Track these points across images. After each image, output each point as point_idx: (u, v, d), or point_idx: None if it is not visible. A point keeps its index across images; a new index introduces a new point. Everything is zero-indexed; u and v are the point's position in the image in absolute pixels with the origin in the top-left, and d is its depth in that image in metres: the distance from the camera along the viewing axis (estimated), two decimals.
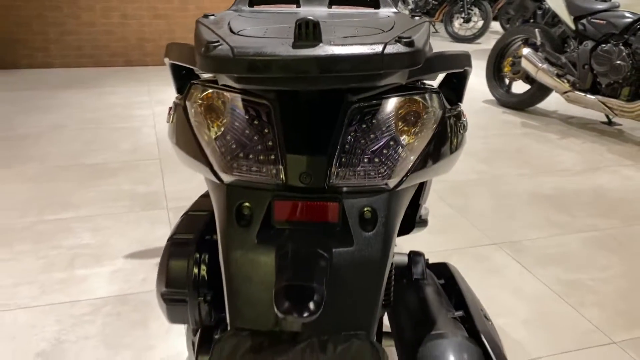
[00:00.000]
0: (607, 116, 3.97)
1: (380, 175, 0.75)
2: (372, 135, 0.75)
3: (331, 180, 0.73)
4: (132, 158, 3.07)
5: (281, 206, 0.73)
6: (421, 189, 1.42)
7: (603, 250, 2.26)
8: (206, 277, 0.94)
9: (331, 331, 0.71)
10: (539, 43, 3.94)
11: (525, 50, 3.98)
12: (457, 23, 7.72)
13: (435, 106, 0.84)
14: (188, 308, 0.93)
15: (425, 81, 0.95)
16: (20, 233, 2.23)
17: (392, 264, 0.97)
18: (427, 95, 0.83)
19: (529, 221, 2.49)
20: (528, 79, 4.13)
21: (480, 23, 7.62)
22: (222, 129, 0.77)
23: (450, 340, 0.90)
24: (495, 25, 8.82)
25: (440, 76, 1.01)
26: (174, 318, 0.96)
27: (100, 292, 1.87)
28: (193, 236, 0.97)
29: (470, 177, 2.96)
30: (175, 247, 0.96)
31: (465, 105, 4.38)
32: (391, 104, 0.78)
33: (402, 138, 0.78)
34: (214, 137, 0.77)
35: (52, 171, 2.85)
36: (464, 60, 0.88)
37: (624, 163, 3.24)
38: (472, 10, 7.65)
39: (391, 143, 0.76)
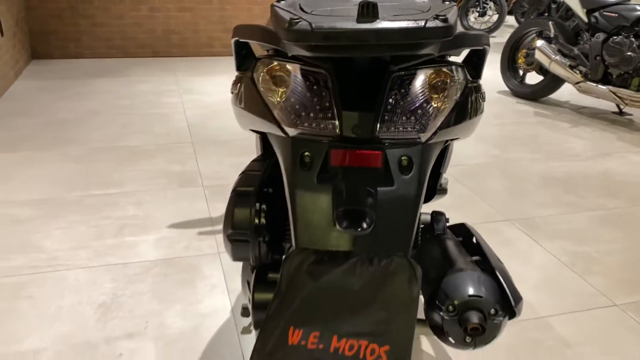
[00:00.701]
0: (618, 106, 4.10)
1: (415, 130, 0.93)
2: (409, 99, 0.94)
3: (376, 133, 0.92)
4: (166, 141, 3.27)
5: (336, 154, 0.92)
6: (442, 158, 1.61)
7: (609, 227, 2.42)
8: (265, 222, 1.13)
9: (376, 250, 0.90)
10: (552, 35, 4.09)
11: (539, 42, 4.12)
12: (472, 17, 7.85)
13: (459, 77, 1.02)
14: (250, 247, 1.13)
15: (451, 58, 1.13)
16: (71, 206, 2.44)
17: (419, 213, 1.15)
18: (453, 68, 1.01)
19: (540, 201, 2.66)
20: (541, 70, 4.28)
21: (495, 17, 7.74)
22: (287, 93, 0.96)
23: (469, 273, 1.09)
24: (510, 20, 8.92)
25: (463, 54, 1.20)
26: (237, 255, 1.15)
27: (149, 256, 2.08)
28: (253, 189, 1.16)
29: (484, 161, 3.13)
30: (239, 197, 1.15)
31: None
32: (424, 74, 0.97)
33: (432, 102, 0.96)
34: (280, 100, 0.96)
35: (92, 152, 3.06)
36: (484, 39, 1.07)
37: (633, 150, 3.39)
38: (487, 4, 7.77)
39: (424, 105, 0.95)
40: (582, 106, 4.35)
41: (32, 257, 2.04)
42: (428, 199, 1.65)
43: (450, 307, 1.04)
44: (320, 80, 0.94)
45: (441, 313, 1.05)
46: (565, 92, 4.56)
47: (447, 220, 1.44)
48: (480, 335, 1.05)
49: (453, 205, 2.56)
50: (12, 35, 4.45)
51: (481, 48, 1.08)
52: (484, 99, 1.19)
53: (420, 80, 0.96)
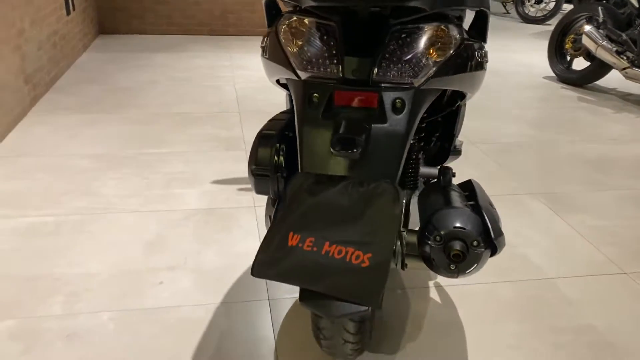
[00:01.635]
0: None
1: (408, 76, 1.09)
2: (405, 49, 1.10)
3: (374, 76, 1.08)
4: (215, 110, 3.52)
5: (339, 94, 1.09)
6: (454, 121, 1.75)
7: (632, 206, 2.48)
8: (283, 160, 1.31)
9: (367, 176, 1.07)
10: (601, 20, 4.07)
11: (587, 27, 4.11)
12: (528, 4, 7.74)
13: (454, 34, 1.17)
14: (270, 181, 1.31)
15: (455, 21, 1.28)
16: (127, 161, 2.71)
17: (418, 152, 1.31)
18: (449, 25, 1.16)
19: (567, 178, 2.73)
20: (589, 56, 4.26)
21: (552, 4, 7.60)
22: (301, 43, 1.14)
23: (457, 210, 1.24)
24: (568, 7, 8.71)
25: (469, 20, 1.34)
26: (258, 189, 1.35)
27: (192, 206, 2.31)
28: (275, 132, 1.35)
29: (519, 140, 3.21)
30: (263, 138, 1.34)
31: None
32: (420, 29, 1.12)
33: (426, 53, 1.12)
34: (296, 48, 1.14)
35: (149, 117, 3.34)
36: (484, 1, 1.21)
37: None
38: None
39: (419, 55, 1.10)
40: (628, 93, 4.31)
41: (91, 200, 2.32)
42: (443, 159, 1.80)
43: (437, 237, 1.20)
44: (329, 31, 1.11)
45: (429, 242, 1.21)
46: (613, 79, 4.52)
47: (453, 175, 1.59)
48: (461, 262, 1.20)
49: (479, 179, 2.67)
50: (82, 10, 4.81)
51: (479, 10, 1.22)
52: (485, 58, 1.33)
53: (416, 34, 1.12)
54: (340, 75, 1.09)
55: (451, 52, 1.16)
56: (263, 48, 1.32)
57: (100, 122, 3.22)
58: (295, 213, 1.05)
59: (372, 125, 1.07)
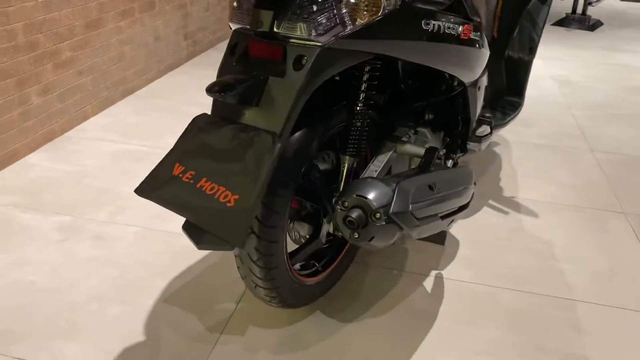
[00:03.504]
0: None
1: (315, 34, 1.10)
2: (315, 7, 1.11)
3: (280, 30, 1.12)
4: None
5: (252, 46, 1.15)
6: (464, 103, 1.65)
7: None
8: None
9: (256, 124, 1.12)
10: None
11: None
12: None
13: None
14: None
15: None
16: None
17: (365, 120, 1.31)
18: None
19: None
20: None
21: None
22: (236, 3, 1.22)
23: (372, 181, 1.22)
24: None
25: None
26: None
27: None
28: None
29: None
30: None
31: None
32: None
33: (344, 11, 1.11)
34: (234, 3, 1.23)
35: None
36: None
37: None
38: None
39: (330, 16, 1.11)
40: None
41: None
42: (461, 149, 1.71)
43: (343, 204, 1.20)
44: None
45: (337, 207, 1.22)
46: None
47: (439, 157, 1.52)
48: (359, 231, 1.19)
49: (573, 187, 2.39)
50: None
51: None
52: (469, 33, 1.27)
53: None
54: (256, 28, 1.15)
55: (379, 14, 1.13)
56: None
57: None
58: (185, 147, 1.16)
59: (270, 77, 1.11)
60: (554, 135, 2.94)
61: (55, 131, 2.59)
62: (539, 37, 2.23)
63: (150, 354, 1.42)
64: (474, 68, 1.57)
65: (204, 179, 1.11)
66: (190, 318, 1.55)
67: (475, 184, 1.54)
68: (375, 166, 1.47)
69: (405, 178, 1.27)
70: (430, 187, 1.29)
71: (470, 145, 1.72)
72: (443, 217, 1.33)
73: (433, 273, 1.79)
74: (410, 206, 1.20)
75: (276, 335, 1.50)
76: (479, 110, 1.75)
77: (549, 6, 2.25)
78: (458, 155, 1.77)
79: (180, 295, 1.64)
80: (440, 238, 1.92)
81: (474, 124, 1.71)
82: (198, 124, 1.18)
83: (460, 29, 1.35)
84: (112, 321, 1.53)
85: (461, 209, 1.46)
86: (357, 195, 1.19)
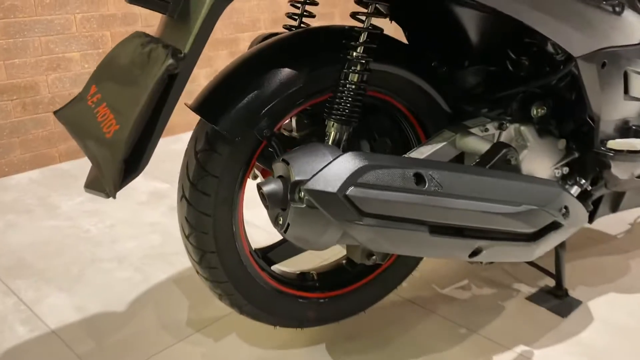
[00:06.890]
0: None
1: None
2: None
3: None
4: None
5: None
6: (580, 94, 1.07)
7: None
8: None
9: (169, 40, 0.83)
10: None
11: None
12: None
13: None
14: None
15: None
16: None
17: (355, 87, 0.90)
18: None
19: None
20: None
21: None
22: None
23: (318, 145, 0.81)
24: None
25: None
26: None
27: None
28: None
29: None
30: None
31: None
32: None
33: None
34: None
35: None
36: None
37: None
38: None
39: None
40: None
41: None
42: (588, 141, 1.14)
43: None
44: None
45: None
46: None
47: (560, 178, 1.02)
48: (275, 210, 0.81)
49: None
50: None
51: None
52: None
53: None
54: None
55: None
56: None
57: None
58: (102, 66, 0.93)
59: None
60: None
61: None
62: None
63: (115, 327, 1.23)
64: (592, 34, 0.98)
65: (105, 104, 0.88)
66: (182, 305, 1.31)
67: (567, 211, 0.93)
68: (418, 152, 1.01)
69: (389, 158, 0.82)
70: (420, 177, 0.80)
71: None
72: (435, 233, 0.82)
73: (521, 349, 1.18)
74: (351, 188, 0.75)
75: (251, 355, 1.15)
76: (619, 108, 1.08)
77: None
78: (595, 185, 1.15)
79: (192, 279, 1.42)
80: (563, 307, 1.29)
81: (604, 127, 1.06)
82: (123, 41, 0.95)
83: None
84: (112, 283, 1.40)
85: (516, 239, 0.89)
86: (283, 159, 0.80)
